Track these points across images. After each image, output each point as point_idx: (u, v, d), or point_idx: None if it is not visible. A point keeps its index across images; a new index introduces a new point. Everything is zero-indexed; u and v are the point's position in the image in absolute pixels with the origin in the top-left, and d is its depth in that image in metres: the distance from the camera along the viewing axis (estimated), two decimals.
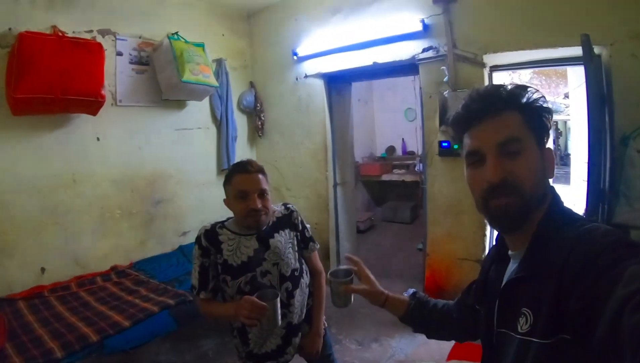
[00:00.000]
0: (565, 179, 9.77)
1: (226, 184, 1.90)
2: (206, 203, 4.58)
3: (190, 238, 4.30)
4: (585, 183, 2.74)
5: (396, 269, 5.44)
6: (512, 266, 1.05)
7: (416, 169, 7.67)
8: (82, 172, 3.61)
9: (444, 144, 3.98)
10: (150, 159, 4.12)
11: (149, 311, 2.78)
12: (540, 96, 0.97)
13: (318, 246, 2.13)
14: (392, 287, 1.56)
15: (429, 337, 1.49)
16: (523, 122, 0.95)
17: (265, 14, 5.08)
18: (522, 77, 7.21)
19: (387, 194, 8.43)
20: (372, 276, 1.50)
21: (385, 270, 5.37)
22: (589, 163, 2.77)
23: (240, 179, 1.83)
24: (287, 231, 1.98)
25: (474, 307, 1.26)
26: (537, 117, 0.97)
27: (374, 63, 4.26)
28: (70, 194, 3.54)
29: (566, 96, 7.62)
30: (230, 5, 4.87)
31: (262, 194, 1.85)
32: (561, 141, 11.17)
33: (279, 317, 1.66)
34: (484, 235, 3.98)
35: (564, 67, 5.44)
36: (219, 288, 1.89)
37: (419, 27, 3.86)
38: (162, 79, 3.93)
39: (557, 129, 10.62)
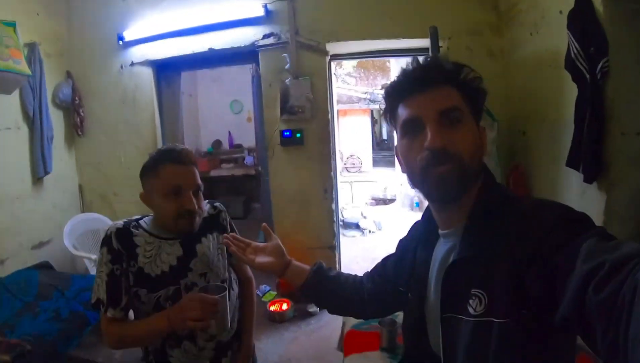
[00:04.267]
0: (388, 163, 10.79)
1: (148, 175, 1.49)
2: (22, 221, 3.76)
3: (10, 268, 3.44)
4: None
5: None
6: (443, 246, 1.02)
7: (245, 162, 7.57)
8: None
9: (286, 133, 3.94)
10: None
11: None
12: (477, 75, 0.96)
13: None
14: None
15: (330, 311, 1.39)
16: (462, 98, 0.93)
17: None
18: (344, 68, 7.65)
19: (216, 190, 8.09)
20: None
21: None
22: None
23: (173, 171, 1.45)
24: (215, 234, 1.65)
25: (393, 285, 1.22)
26: (474, 96, 0.96)
27: (210, 49, 4.00)
28: None
29: (384, 86, 8.29)
30: None
31: (197, 191, 1.51)
32: (376, 128, 12.34)
33: (229, 317, 1.43)
34: (333, 221, 4.05)
35: (386, 59, 5.82)
36: (130, 306, 1.49)
37: (260, 12, 3.73)
38: None
39: (372, 117, 11.47)
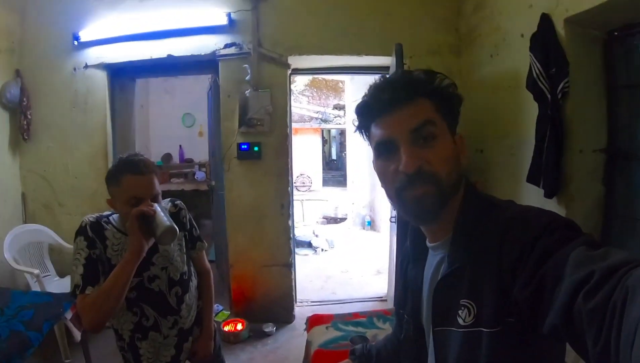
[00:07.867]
0: (337, 183, 10.88)
1: (112, 184, 1.63)
2: None
3: None
4: None
5: None
6: (432, 259, 1.01)
7: (196, 177, 7.39)
8: None
9: (244, 146, 3.87)
10: None
11: None
12: (450, 82, 0.95)
13: (206, 245, 2.00)
14: None
15: None
16: (435, 109, 0.92)
17: None
18: (297, 87, 7.67)
19: None
20: None
21: None
22: None
23: (133, 182, 1.59)
24: None
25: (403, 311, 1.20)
26: (448, 103, 0.95)
27: (169, 55, 3.89)
28: None
29: (336, 107, 8.40)
30: None
31: (156, 198, 1.64)
32: (326, 148, 12.51)
33: (167, 215, 1.55)
34: (289, 238, 3.99)
35: (340, 79, 5.85)
36: None
37: (224, 20, 3.68)
38: None
39: (323, 137, 11.52)
